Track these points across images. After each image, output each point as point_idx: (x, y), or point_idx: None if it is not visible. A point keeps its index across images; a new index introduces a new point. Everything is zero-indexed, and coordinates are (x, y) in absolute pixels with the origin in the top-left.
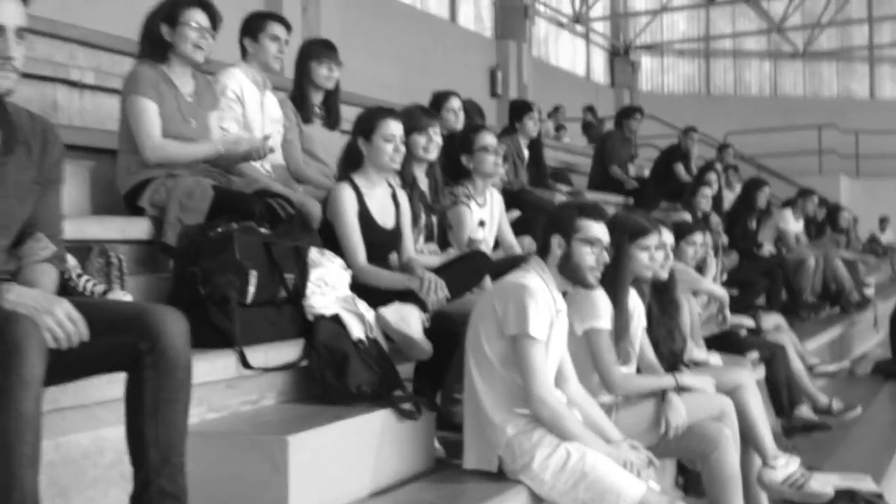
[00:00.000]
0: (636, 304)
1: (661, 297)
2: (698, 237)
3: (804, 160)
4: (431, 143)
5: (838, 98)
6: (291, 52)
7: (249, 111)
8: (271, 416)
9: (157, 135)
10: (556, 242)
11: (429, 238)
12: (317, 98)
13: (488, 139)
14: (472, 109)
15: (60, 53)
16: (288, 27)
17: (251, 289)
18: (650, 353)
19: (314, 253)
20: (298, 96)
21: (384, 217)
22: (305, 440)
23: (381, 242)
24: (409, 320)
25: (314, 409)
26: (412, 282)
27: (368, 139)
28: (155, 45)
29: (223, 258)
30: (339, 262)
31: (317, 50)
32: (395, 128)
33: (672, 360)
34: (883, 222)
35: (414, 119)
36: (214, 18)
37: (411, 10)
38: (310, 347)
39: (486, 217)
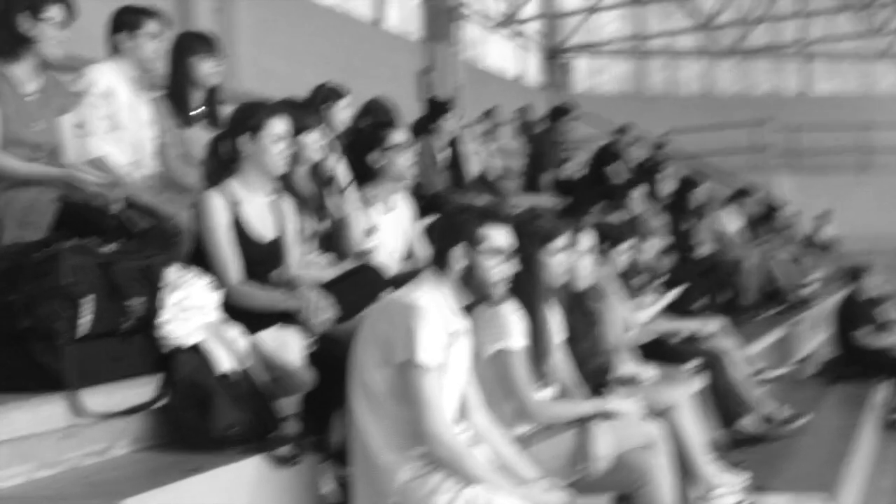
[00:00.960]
0: (551, 318)
1: (581, 308)
2: (625, 244)
3: (743, 158)
4: (320, 143)
5: (773, 94)
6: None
7: (121, 111)
8: (116, 470)
9: None
10: (458, 253)
11: (324, 248)
12: (197, 97)
13: (400, 136)
14: (379, 109)
15: None
16: (167, 23)
17: (84, 319)
18: (569, 373)
19: (172, 273)
20: (175, 96)
21: (263, 228)
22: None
23: (260, 258)
24: (288, 346)
25: (173, 458)
26: (292, 302)
27: (253, 138)
28: (8, 38)
29: (47, 283)
30: (203, 281)
31: (198, 45)
32: (284, 126)
33: (598, 379)
34: (822, 218)
35: (303, 117)
36: (72, 11)
37: (331, 12)
38: (167, 384)
39: (390, 224)
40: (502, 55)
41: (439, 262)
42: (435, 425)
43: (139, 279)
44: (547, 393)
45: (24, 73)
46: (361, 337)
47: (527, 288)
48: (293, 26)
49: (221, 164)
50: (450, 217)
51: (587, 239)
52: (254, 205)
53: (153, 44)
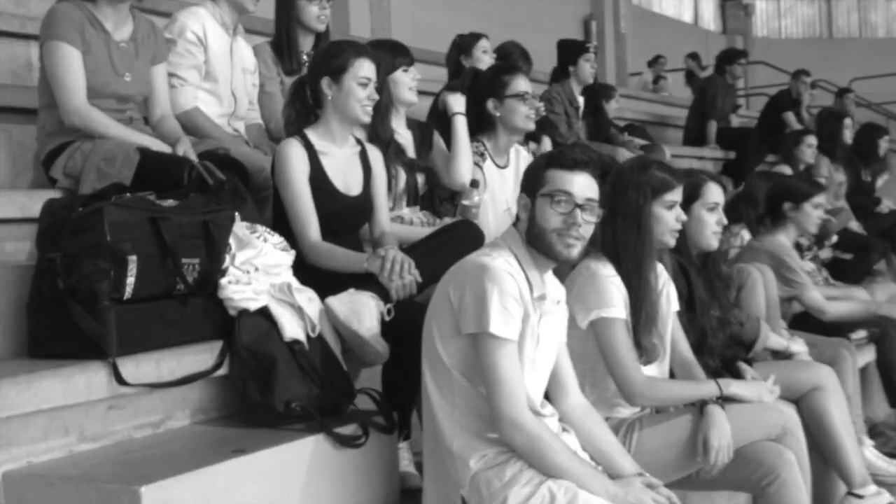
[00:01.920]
0: (664, 283)
1: (708, 272)
2: (819, 199)
3: None
4: (414, 85)
5: None
6: None
7: (215, 59)
8: (162, 446)
9: (80, 93)
10: (523, 203)
11: (420, 203)
12: (305, 43)
13: (523, 84)
14: (515, 52)
15: None
16: None
17: (130, 279)
18: (685, 347)
19: (241, 229)
20: (282, 41)
21: (348, 181)
22: (172, 489)
23: (345, 213)
24: (360, 313)
25: (233, 432)
26: (371, 262)
27: (337, 81)
28: None
29: (90, 240)
30: (275, 239)
31: None
32: (370, 69)
33: (728, 355)
34: None
35: (394, 54)
36: None
37: None
38: (229, 351)
39: (503, 180)
40: None
41: (519, 217)
42: (511, 407)
43: (198, 236)
44: (656, 370)
45: (115, 18)
46: (432, 304)
47: (630, 247)
48: None
49: (303, 111)
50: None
51: (715, 193)
52: (338, 156)
53: None
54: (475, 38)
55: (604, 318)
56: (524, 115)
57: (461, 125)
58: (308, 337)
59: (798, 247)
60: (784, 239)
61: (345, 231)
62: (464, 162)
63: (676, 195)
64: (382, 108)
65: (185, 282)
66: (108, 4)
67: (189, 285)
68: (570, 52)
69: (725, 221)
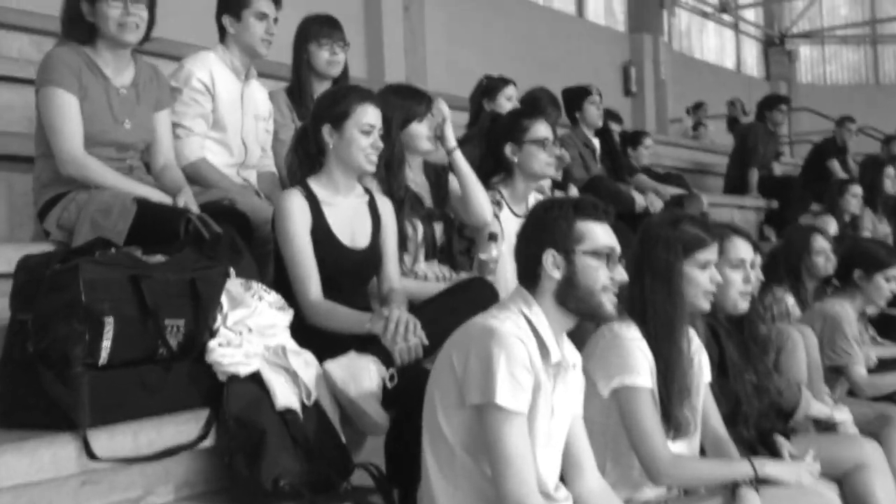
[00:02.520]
0: (696, 350)
1: (742, 335)
2: (894, 271)
3: None
4: (433, 133)
5: None
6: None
7: (223, 106)
8: None
9: (76, 141)
10: (551, 260)
11: (438, 256)
12: (320, 89)
13: (544, 130)
14: (543, 98)
15: None
16: (277, 2)
17: (106, 342)
18: (717, 422)
19: (236, 287)
20: (296, 87)
21: (354, 233)
22: None
23: (350, 267)
24: (359, 378)
25: None
26: (374, 323)
27: (338, 129)
28: (76, 23)
29: (64, 299)
30: (271, 297)
31: (315, 28)
32: (374, 115)
33: (765, 426)
34: None
35: (410, 102)
36: None
37: (530, 4)
38: (216, 421)
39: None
40: (718, 44)
41: (528, 274)
42: (518, 488)
43: (185, 295)
44: (682, 446)
45: (115, 64)
46: (435, 371)
47: (659, 309)
48: (488, 21)
49: (306, 159)
50: (535, 215)
51: (741, 249)
52: (343, 206)
53: (261, 25)
54: (502, 82)
55: (628, 386)
56: (544, 162)
57: (460, 159)
58: (303, 405)
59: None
60: (849, 307)
61: (351, 287)
62: (477, 194)
63: (711, 254)
64: (395, 164)
65: (166, 345)
66: (107, 49)
67: (171, 349)
68: (573, 99)
69: (754, 279)
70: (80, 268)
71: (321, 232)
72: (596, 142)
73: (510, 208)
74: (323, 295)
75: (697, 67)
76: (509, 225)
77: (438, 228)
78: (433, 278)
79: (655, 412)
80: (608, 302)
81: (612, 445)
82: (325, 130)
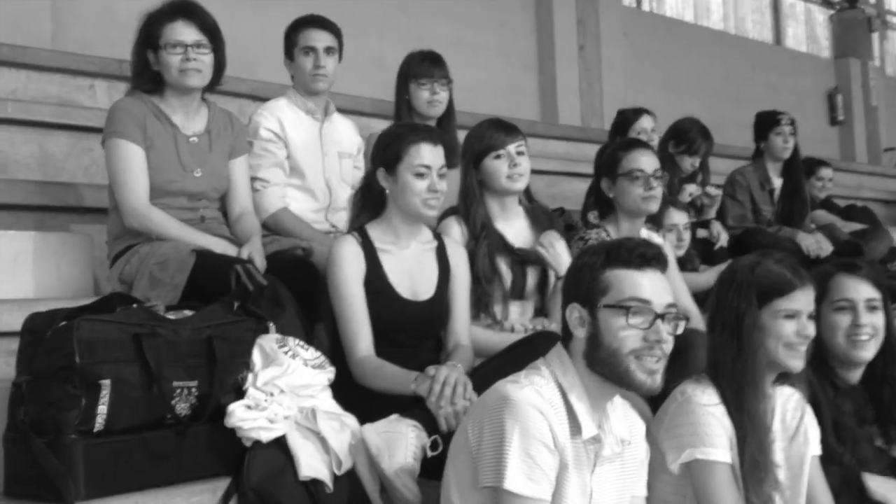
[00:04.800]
0: (800, 419)
1: (857, 398)
2: None
3: None
4: (517, 169)
5: None
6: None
7: (299, 152)
8: None
9: (140, 193)
10: (576, 316)
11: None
12: None
13: (642, 160)
14: (693, 130)
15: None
16: (332, 30)
17: (102, 407)
18: (826, 502)
19: (269, 343)
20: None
21: (416, 284)
22: None
23: (408, 322)
24: (394, 447)
25: None
26: (419, 383)
27: (392, 172)
28: (143, 73)
29: (59, 362)
30: (308, 354)
31: (414, 66)
32: (430, 155)
33: None
34: None
35: (491, 134)
36: (207, 26)
37: (721, 35)
38: (237, 492)
39: None
40: None
41: (564, 334)
42: None
43: (199, 354)
44: None
45: (184, 111)
46: (452, 446)
47: (728, 368)
48: (672, 56)
49: (370, 204)
50: (572, 264)
51: (847, 288)
52: (404, 255)
53: (308, 60)
54: (636, 114)
55: (700, 460)
56: (638, 197)
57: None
58: (333, 474)
59: None
60: None
61: (412, 343)
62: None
63: (796, 302)
64: (469, 199)
65: (171, 410)
66: (174, 96)
67: (175, 414)
68: (759, 127)
69: (864, 323)
70: (74, 327)
71: (377, 282)
72: (777, 181)
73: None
74: (378, 351)
75: None
76: None
77: (532, 277)
78: (521, 330)
79: (735, 492)
80: (640, 370)
81: None
82: (381, 175)
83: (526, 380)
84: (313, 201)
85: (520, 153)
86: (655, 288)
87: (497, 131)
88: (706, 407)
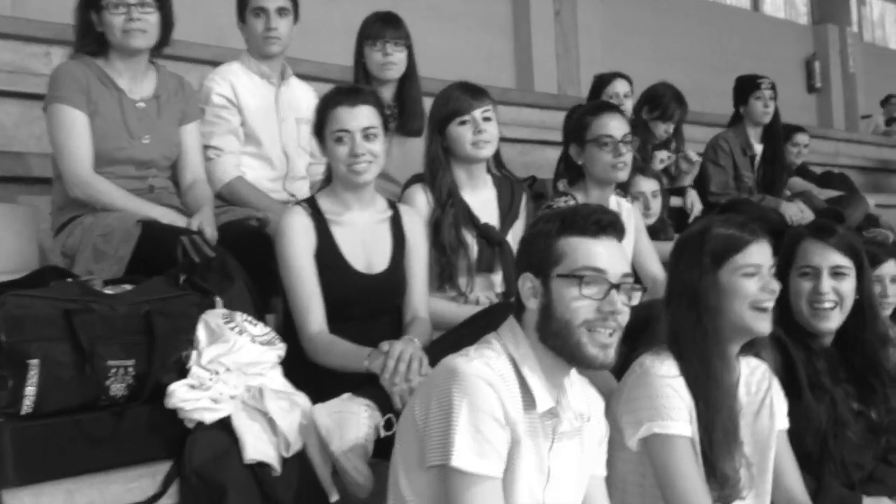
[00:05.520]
0: (765, 389)
1: (863, 361)
2: None
3: None
4: (482, 135)
5: None
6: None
7: (254, 118)
8: None
9: (83, 161)
10: (528, 286)
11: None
12: (384, 94)
13: (611, 125)
14: (667, 95)
15: None
16: None
17: (30, 388)
18: (795, 482)
19: (215, 319)
20: None
21: (370, 255)
22: None
23: (363, 295)
24: (345, 427)
25: None
26: (372, 360)
27: (322, 140)
28: (86, 34)
29: None
30: (256, 330)
31: (368, 27)
32: (348, 118)
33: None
34: None
35: (451, 101)
36: None
37: (700, 2)
38: (179, 476)
39: None
40: None
41: (518, 305)
42: None
43: (137, 331)
44: None
45: (130, 74)
46: (400, 424)
47: (688, 337)
48: (649, 23)
49: (328, 175)
50: (525, 234)
51: (828, 255)
52: (356, 225)
53: (259, 22)
54: (611, 77)
55: (658, 434)
56: (606, 164)
57: None
58: (281, 457)
59: None
60: None
61: (366, 317)
62: None
63: (753, 256)
64: (434, 166)
65: (105, 392)
66: (120, 59)
67: (110, 396)
68: (739, 92)
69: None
70: (1, 303)
71: (328, 255)
72: (758, 147)
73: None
74: (332, 327)
75: (893, 58)
76: None
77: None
78: (486, 303)
79: (696, 467)
80: (591, 343)
81: None
82: (316, 142)
83: (475, 353)
84: (270, 169)
85: (486, 119)
86: (611, 257)
87: (462, 95)
88: (665, 378)
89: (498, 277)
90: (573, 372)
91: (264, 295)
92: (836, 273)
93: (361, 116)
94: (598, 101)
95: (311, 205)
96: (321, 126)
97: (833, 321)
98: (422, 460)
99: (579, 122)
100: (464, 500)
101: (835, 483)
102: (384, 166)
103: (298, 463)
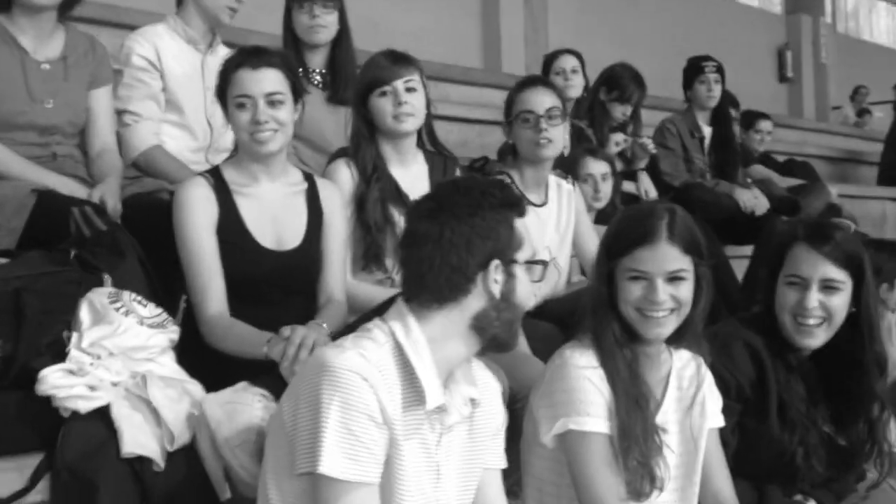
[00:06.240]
0: (689, 382)
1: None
2: None
3: None
4: (404, 108)
5: None
6: None
7: (177, 84)
8: None
9: None
10: (493, 272)
11: None
12: (314, 59)
13: (532, 100)
14: (625, 76)
15: None
16: None
17: None
18: (721, 482)
19: (101, 298)
20: None
21: (280, 231)
22: None
23: (272, 274)
24: (236, 419)
25: None
26: (272, 346)
27: (224, 104)
28: None
29: None
30: (146, 311)
31: None
32: (251, 82)
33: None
34: None
35: (372, 70)
36: None
37: None
38: (49, 471)
39: (547, 221)
40: (892, 25)
41: (415, 285)
42: None
43: (7, 310)
44: None
45: (35, 33)
46: (269, 425)
47: (589, 327)
48: (622, 8)
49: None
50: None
51: (821, 266)
52: (265, 197)
53: None
54: (558, 53)
55: (574, 431)
56: (530, 141)
57: None
58: (163, 450)
59: None
60: None
61: (276, 299)
62: None
63: (641, 262)
64: (357, 139)
65: None
66: (24, 16)
67: None
68: (686, 75)
69: (811, 306)
70: None
71: (232, 229)
72: (707, 130)
73: (522, 195)
74: (239, 309)
75: (866, 50)
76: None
77: None
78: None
79: (611, 465)
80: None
81: None
82: (220, 107)
83: (351, 343)
84: (192, 140)
85: (410, 90)
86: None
87: (383, 63)
88: (583, 370)
89: None
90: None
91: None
92: (827, 287)
93: (265, 81)
94: (525, 77)
95: (215, 175)
96: (223, 90)
97: (817, 339)
98: (292, 466)
99: (507, 100)
100: None
101: (777, 492)
102: (317, 137)
103: (186, 458)
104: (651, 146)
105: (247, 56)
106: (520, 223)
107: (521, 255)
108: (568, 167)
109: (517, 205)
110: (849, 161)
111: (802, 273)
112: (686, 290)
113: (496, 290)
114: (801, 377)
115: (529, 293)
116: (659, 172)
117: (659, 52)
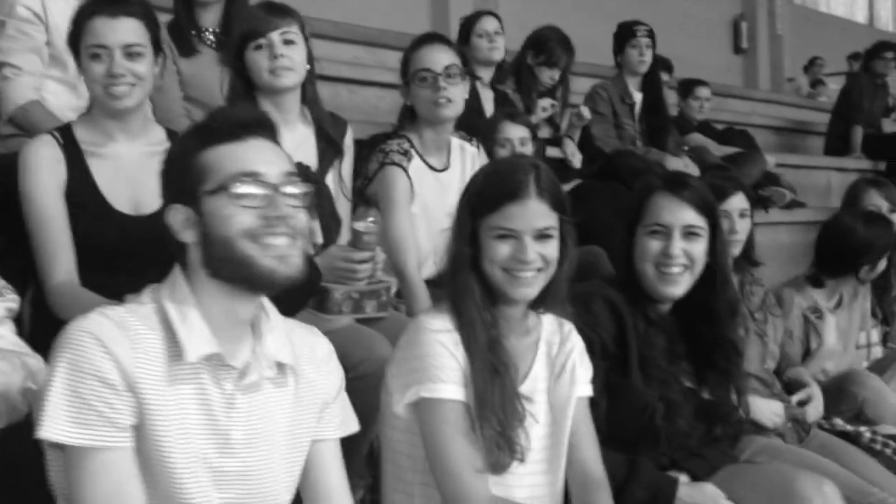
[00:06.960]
0: (559, 349)
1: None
2: None
3: None
4: (279, 61)
5: None
6: None
7: (61, 37)
8: None
9: None
10: (181, 219)
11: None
12: (207, 18)
13: (429, 58)
14: (552, 39)
15: None
16: None
17: None
18: (591, 456)
19: None
20: (176, 18)
21: (137, 194)
22: None
23: (129, 242)
24: None
25: None
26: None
27: (77, 55)
28: None
29: None
30: None
31: None
32: (106, 31)
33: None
34: None
35: (246, 22)
36: None
37: None
38: None
39: (449, 186)
40: None
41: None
42: None
43: None
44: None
45: None
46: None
47: (452, 289)
48: None
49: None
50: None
51: (681, 212)
52: (121, 158)
53: None
54: (478, 15)
55: (426, 399)
56: (427, 101)
57: None
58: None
59: None
60: None
61: (134, 269)
62: None
63: (510, 220)
64: (234, 95)
65: None
66: None
67: None
68: (616, 40)
69: (675, 253)
70: None
71: (83, 192)
72: (638, 96)
73: (422, 158)
74: (92, 280)
75: (822, 21)
76: (423, 179)
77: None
78: None
79: (466, 434)
80: (263, 255)
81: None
82: (75, 57)
83: (120, 307)
84: (75, 98)
85: (287, 42)
86: (265, 159)
87: (258, 13)
88: (437, 334)
89: (316, 225)
90: (278, 317)
91: None
92: (689, 233)
93: (123, 30)
94: (422, 35)
95: (65, 134)
96: (76, 39)
97: (681, 286)
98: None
99: (405, 59)
100: (73, 478)
101: (648, 465)
102: (209, 99)
103: (18, 435)
104: (587, 113)
105: (104, 3)
106: (232, 148)
107: (213, 184)
108: (487, 131)
109: (199, 132)
110: (798, 132)
111: (664, 220)
112: (553, 249)
113: (189, 236)
114: (663, 331)
115: (234, 221)
116: (591, 137)
117: (613, 22)
